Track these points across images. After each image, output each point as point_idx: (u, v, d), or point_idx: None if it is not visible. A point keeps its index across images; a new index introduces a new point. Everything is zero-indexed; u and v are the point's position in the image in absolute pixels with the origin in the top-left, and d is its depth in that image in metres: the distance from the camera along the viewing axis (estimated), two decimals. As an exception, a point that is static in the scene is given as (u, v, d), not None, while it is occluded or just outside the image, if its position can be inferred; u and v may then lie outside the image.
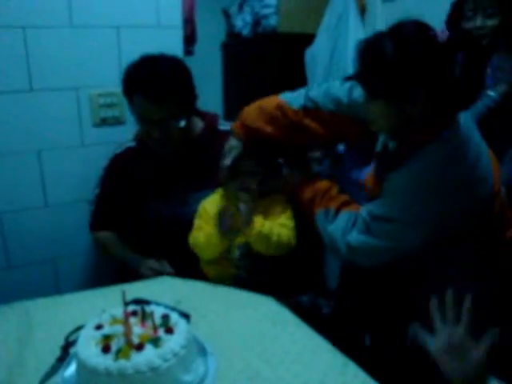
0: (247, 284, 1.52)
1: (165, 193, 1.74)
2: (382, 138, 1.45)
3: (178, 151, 1.72)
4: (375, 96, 1.25)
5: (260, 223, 1.49)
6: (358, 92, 1.38)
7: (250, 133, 1.54)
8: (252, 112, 1.55)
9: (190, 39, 2.34)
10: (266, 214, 1.56)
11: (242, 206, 1.48)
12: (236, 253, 1.56)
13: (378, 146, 1.47)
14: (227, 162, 1.53)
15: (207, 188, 1.68)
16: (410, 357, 1.44)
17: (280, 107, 1.52)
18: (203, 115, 1.82)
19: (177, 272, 1.61)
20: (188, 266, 1.60)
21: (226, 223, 1.48)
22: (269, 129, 1.52)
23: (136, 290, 1.41)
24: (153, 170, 1.76)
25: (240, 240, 1.54)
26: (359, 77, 1.29)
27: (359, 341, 1.75)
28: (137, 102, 1.60)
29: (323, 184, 1.50)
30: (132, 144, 1.82)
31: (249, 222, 1.47)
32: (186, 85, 1.63)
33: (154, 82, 1.54)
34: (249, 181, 1.54)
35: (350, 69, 2.51)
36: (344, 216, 1.39)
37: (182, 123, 1.63)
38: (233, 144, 1.55)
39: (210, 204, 1.62)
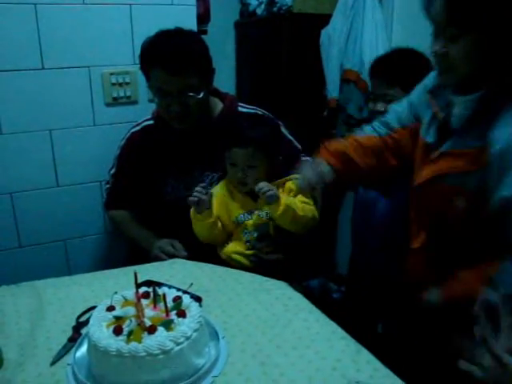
0: (262, 266, 1.52)
1: (181, 172, 1.72)
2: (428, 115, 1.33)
3: (196, 130, 1.69)
4: (467, 29, 1.08)
5: (285, 198, 1.49)
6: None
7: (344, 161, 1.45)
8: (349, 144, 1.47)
9: (203, 18, 2.30)
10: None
11: (263, 184, 1.46)
12: (253, 234, 1.56)
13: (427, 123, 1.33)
14: (315, 183, 1.39)
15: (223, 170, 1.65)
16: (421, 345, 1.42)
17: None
18: (223, 96, 1.79)
19: (191, 254, 1.59)
20: (203, 249, 1.59)
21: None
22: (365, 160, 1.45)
23: (148, 271, 1.41)
24: (170, 148, 1.73)
25: (257, 221, 1.55)
26: (449, 8, 1.11)
27: (371, 328, 1.74)
28: (155, 76, 1.59)
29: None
30: (149, 122, 1.78)
31: (276, 195, 1.45)
32: (203, 56, 1.62)
33: (171, 53, 1.53)
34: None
35: (366, 49, 2.46)
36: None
37: (201, 95, 1.60)
38: (324, 170, 1.41)
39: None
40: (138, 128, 1.79)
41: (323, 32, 2.61)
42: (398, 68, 1.73)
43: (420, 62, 1.69)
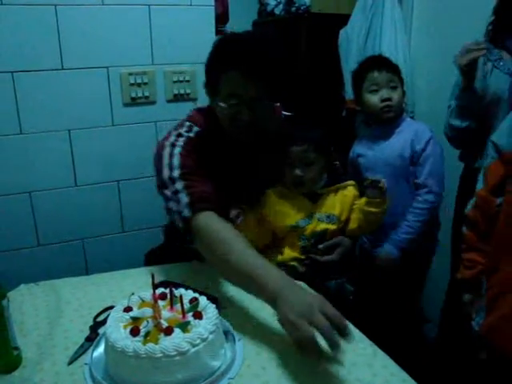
0: (316, 269, 1.53)
1: (227, 182, 1.49)
2: None
3: (255, 144, 1.51)
4: None
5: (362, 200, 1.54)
6: None
7: None
8: None
9: (221, 18, 2.30)
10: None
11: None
12: (311, 240, 1.54)
13: None
14: None
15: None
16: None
17: None
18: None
19: None
20: None
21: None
22: None
23: (165, 272, 1.41)
24: (221, 158, 1.51)
25: (317, 227, 1.53)
26: None
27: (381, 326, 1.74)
28: (229, 79, 1.41)
29: None
30: (197, 129, 1.52)
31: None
32: (282, 64, 1.48)
33: (251, 56, 1.38)
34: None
35: (385, 49, 2.44)
36: None
37: (271, 106, 1.49)
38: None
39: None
40: (191, 134, 1.50)
41: (342, 32, 2.59)
42: (393, 63, 1.96)
43: None
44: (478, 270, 1.44)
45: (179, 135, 1.49)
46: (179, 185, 1.37)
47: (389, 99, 1.88)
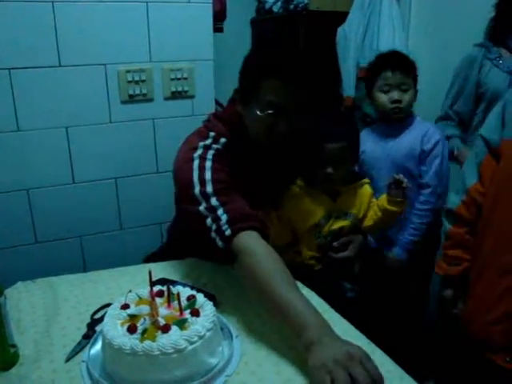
0: (333, 266, 1.54)
1: (261, 192, 1.47)
2: None
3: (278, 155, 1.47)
4: None
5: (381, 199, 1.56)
6: None
7: None
8: None
9: (219, 15, 2.29)
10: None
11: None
12: (328, 238, 1.55)
13: None
14: None
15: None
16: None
17: None
18: None
19: None
20: None
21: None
22: None
23: (162, 269, 1.41)
24: (249, 171, 1.44)
25: (334, 225, 1.54)
26: None
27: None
28: (268, 87, 1.33)
29: None
30: (223, 139, 1.43)
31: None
32: (321, 72, 1.48)
33: (295, 63, 1.34)
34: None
35: (383, 47, 2.44)
36: None
37: (309, 120, 1.41)
38: None
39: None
40: (219, 146, 1.42)
41: (339, 30, 2.60)
42: (409, 61, 1.89)
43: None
44: (463, 266, 1.46)
45: (207, 147, 1.40)
46: (215, 201, 1.29)
47: (399, 101, 1.84)
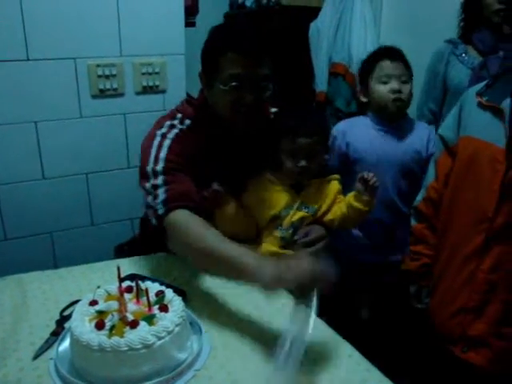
0: None
1: (224, 178, 1.48)
2: None
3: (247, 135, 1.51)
4: None
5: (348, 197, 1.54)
6: None
7: None
8: None
9: (191, 10, 2.28)
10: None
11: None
12: (288, 230, 1.53)
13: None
14: None
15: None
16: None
17: None
18: None
19: None
20: None
21: None
22: None
23: (133, 265, 1.41)
24: (213, 154, 1.48)
25: (295, 216, 1.53)
26: None
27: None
28: (228, 62, 1.37)
29: None
30: (188, 121, 1.49)
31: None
32: (271, 43, 1.47)
33: (248, 36, 1.41)
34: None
35: (354, 43, 2.47)
36: None
37: (271, 88, 1.45)
38: None
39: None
40: (183, 127, 1.47)
41: (312, 25, 2.61)
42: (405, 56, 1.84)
43: None
44: (421, 262, 1.50)
45: (172, 126, 1.46)
46: (160, 179, 1.34)
47: (399, 91, 1.76)
